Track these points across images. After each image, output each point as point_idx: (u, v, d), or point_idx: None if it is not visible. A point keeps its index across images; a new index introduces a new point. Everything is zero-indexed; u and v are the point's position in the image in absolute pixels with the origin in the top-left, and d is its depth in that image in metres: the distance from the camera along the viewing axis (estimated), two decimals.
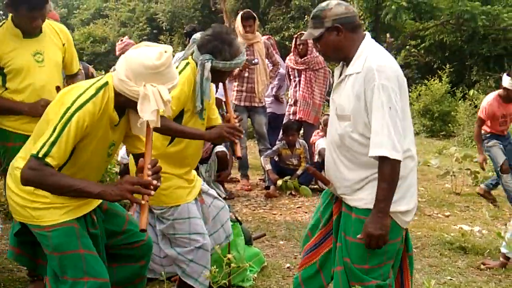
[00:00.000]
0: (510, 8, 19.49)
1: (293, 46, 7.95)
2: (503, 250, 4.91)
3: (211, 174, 6.89)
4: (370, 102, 2.88)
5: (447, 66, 17.93)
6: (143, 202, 2.60)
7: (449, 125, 16.30)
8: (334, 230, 3.23)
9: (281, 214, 6.59)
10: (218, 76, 3.51)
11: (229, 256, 2.83)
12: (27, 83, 3.76)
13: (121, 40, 7.78)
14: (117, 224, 3.05)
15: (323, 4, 3.10)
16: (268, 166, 7.58)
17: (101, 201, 2.95)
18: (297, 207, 6.91)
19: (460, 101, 16.26)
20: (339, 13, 3.01)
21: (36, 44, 3.84)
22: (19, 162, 2.79)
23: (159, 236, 3.64)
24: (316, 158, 7.88)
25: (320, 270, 3.32)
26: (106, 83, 2.70)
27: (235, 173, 8.28)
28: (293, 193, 7.46)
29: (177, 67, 3.41)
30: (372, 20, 19.45)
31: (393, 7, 17.81)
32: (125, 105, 2.75)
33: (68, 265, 2.71)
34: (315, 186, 7.81)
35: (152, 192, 2.61)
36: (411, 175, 3.03)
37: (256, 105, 7.43)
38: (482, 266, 4.96)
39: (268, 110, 8.16)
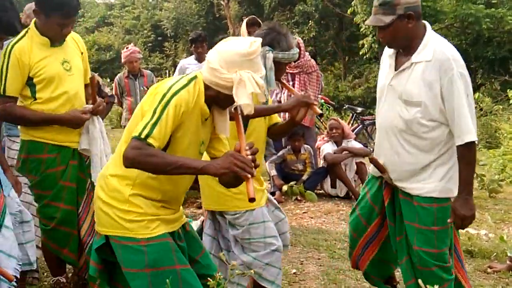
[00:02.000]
0: None
1: None
2: (509, 253, 4.91)
3: None
4: (449, 90, 3.04)
5: None
6: (249, 176, 2.55)
7: None
8: (389, 214, 3.48)
9: None
10: (277, 70, 3.53)
11: (234, 262, 2.82)
12: (60, 91, 3.70)
13: (127, 48, 7.82)
14: (194, 250, 2.96)
15: None
16: (274, 172, 7.59)
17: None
18: (303, 213, 6.91)
19: None
20: (411, 1, 3.12)
21: (63, 52, 3.77)
22: (110, 169, 2.78)
23: (232, 243, 3.58)
24: (321, 163, 7.89)
25: (383, 259, 3.68)
26: (196, 76, 2.72)
27: None
28: (299, 198, 7.45)
29: None
30: None
31: None
32: (213, 100, 2.75)
33: (163, 282, 2.53)
34: (321, 191, 7.81)
35: (255, 172, 2.58)
36: None
37: None
38: (489, 270, 4.94)
39: None
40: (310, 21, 22.03)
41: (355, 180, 7.63)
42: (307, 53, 7.94)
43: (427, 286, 2.97)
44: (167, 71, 23.80)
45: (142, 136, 2.52)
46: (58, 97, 3.70)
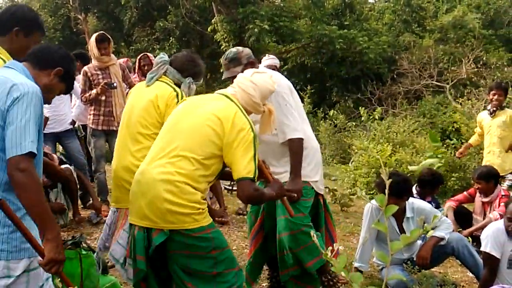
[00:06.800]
0: (365, 33, 20.62)
1: (137, 67, 7.85)
2: (355, 264, 5.09)
3: (61, 199, 6.47)
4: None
5: (309, 87, 18.44)
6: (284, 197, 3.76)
7: None
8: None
9: None
10: None
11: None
12: None
13: None
14: None
15: (233, 49, 4.19)
16: None
17: None
18: None
19: (321, 121, 16.80)
20: (248, 53, 4.15)
21: None
22: (176, 176, 3.17)
23: None
24: None
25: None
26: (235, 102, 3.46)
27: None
28: None
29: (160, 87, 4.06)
30: (236, 42, 19.75)
31: (256, 30, 18.24)
32: None
33: (225, 259, 3.25)
34: None
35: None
36: (317, 155, 4.32)
37: (114, 128, 7.07)
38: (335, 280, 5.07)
39: None
40: (171, 38, 22.00)
41: (210, 197, 7.58)
42: None
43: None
44: None
45: (252, 176, 3.18)
46: None
